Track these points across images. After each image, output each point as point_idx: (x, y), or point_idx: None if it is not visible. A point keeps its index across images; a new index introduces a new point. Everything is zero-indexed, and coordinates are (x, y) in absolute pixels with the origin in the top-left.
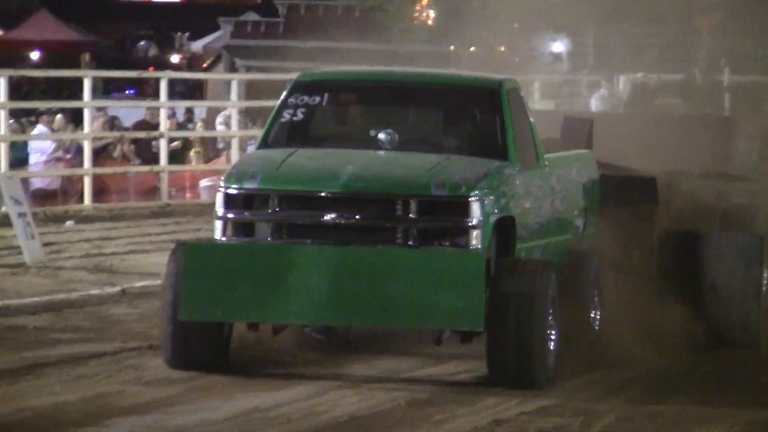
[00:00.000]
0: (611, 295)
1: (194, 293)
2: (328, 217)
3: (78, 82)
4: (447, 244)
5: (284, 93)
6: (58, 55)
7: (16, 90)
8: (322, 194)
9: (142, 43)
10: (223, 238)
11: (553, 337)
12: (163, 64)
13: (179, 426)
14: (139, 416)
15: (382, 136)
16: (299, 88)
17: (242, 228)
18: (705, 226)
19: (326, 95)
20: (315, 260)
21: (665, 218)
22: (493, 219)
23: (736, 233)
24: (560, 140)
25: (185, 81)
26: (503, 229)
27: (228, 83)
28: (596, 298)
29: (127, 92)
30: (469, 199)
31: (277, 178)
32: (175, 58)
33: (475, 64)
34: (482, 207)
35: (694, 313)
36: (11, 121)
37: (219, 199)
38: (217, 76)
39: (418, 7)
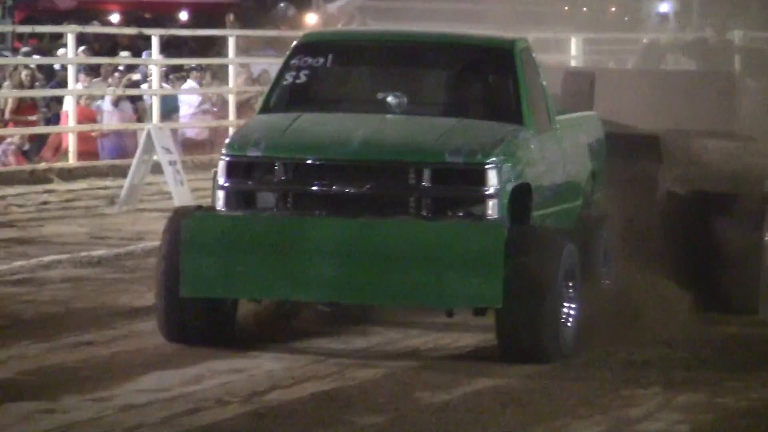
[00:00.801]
0: (618, 260)
1: (196, 268)
2: (337, 186)
3: (223, 40)
4: (462, 214)
5: (287, 54)
6: (204, 15)
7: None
8: (331, 162)
9: (281, 4)
10: (224, 209)
11: (572, 311)
12: (300, 25)
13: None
14: None
15: (389, 99)
16: (303, 49)
17: (245, 198)
18: (714, 186)
19: (331, 56)
20: (323, 233)
21: (672, 178)
22: (510, 187)
23: (736, 194)
24: (560, 96)
25: None
26: (519, 197)
27: None
28: (607, 266)
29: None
30: (486, 167)
31: (282, 144)
32: (311, 19)
33: (587, 23)
34: (499, 174)
35: (695, 277)
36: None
37: (221, 167)
38: None
39: None
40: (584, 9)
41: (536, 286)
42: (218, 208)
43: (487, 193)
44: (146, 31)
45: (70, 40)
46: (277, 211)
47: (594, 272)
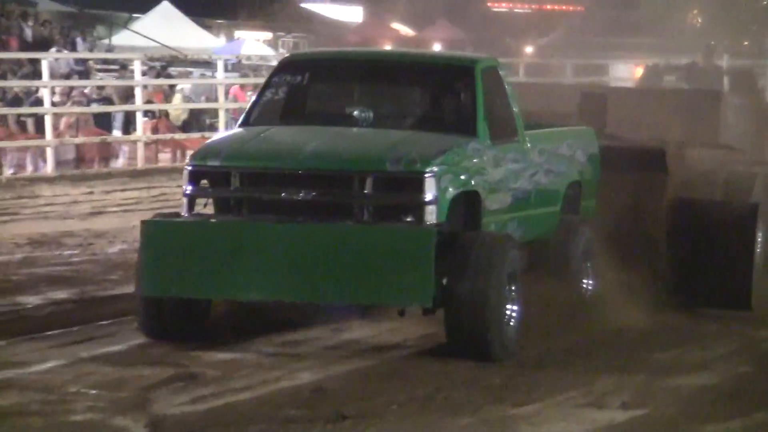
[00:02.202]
0: (612, 262)
1: (152, 269)
2: (287, 194)
3: None
4: (403, 220)
5: (271, 72)
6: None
7: None
8: (282, 171)
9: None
10: (187, 215)
11: (514, 312)
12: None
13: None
14: None
15: (356, 113)
16: (284, 67)
17: (216, 205)
18: (709, 193)
19: (308, 74)
20: (267, 237)
21: (673, 186)
22: (450, 195)
23: (731, 201)
24: (577, 114)
25: None
26: (469, 204)
27: None
28: (588, 266)
29: None
30: (424, 175)
31: (239, 155)
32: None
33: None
34: (437, 183)
35: (693, 278)
36: None
37: (184, 176)
38: None
39: None
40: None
41: (479, 288)
42: (182, 214)
43: (425, 200)
44: None
45: None
46: (231, 217)
47: (572, 270)
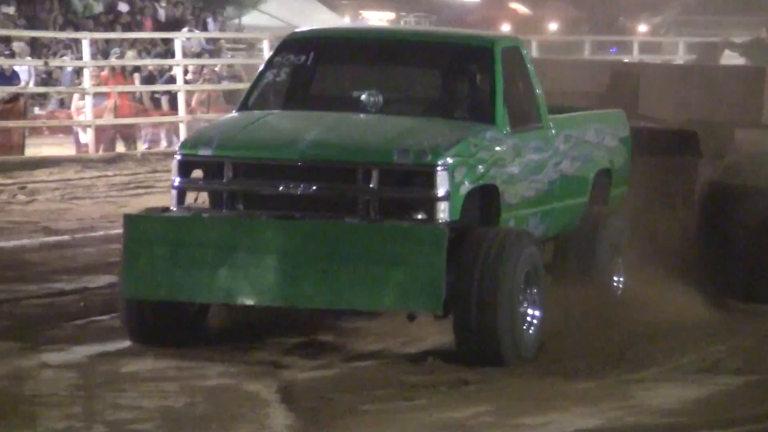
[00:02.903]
0: (641, 255)
1: (135, 269)
2: (284, 187)
3: None
4: (412, 217)
5: (272, 52)
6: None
7: None
8: (278, 162)
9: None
10: (177, 209)
11: (535, 316)
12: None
13: None
14: None
15: (364, 97)
16: (287, 46)
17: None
18: (758, 177)
19: (312, 54)
20: (261, 234)
21: (720, 169)
22: (465, 189)
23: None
24: (606, 93)
25: None
26: (486, 199)
27: None
28: (618, 261)
29: (611, 50)
30: (436, 168)
31: (233, 144)
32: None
33: None
34: (450, 176)
35: (725, 270)
36: None
37: (173, 166)
38: None
39: None
40: None
41: (491, 290)
42: (172, 208)
43: (436, 195)
44: None
45: None
46: (225, 212)
47: (599, 267)
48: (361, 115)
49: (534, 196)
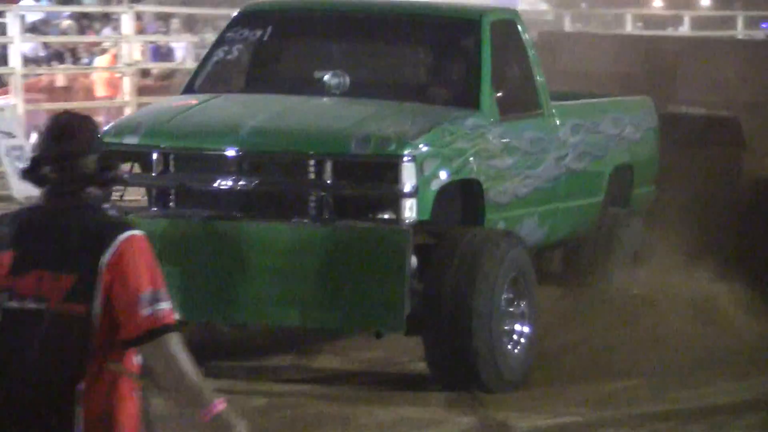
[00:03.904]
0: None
1: None
2: (222, 182)
3: None
4: (374, 217)
5: (224, 27)
6: None
7: None
8: (215, 152)
9: None
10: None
11: (519, 332)
12: None
13: None
14: None
15: (327, 78)
16: (241, 20)
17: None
18: None
19: (270, 29)
20: (191, 238)
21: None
22: (437, 185)
23: None
24: (640, 73)
25: None
26: (470, 196)
27: None
28: (639, 270)
29: (761, 25)
30: (401, 159)
31: (163, 131)
32: None
33: None
34: (419, 169)
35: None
36: None
37: None
38: None
39: None
40: None
41: (465, 302)
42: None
43: (402, 191)
44: None
45: None
46: (152, 210)
47: (615, 277)
48: (323, 99)
49: (530, 194)
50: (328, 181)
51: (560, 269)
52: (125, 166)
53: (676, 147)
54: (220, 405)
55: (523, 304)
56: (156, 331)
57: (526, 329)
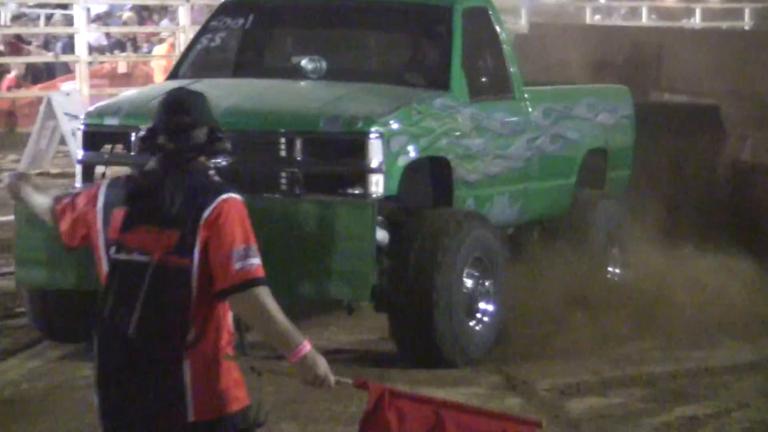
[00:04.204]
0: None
1: (24, 255)
2: None
3: None
4: (344, 193)
5: (210, 15)
6: None
7: None
8: None
9: None
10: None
11: (483, 310)
12: None
13: None
14: None
15: (304, 63)
16: (224, 9)
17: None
18: None
19: (251, 17)
20: None
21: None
22: (405, 161)
23: None
24: (624, 63)
25: None
26: (440, 174)
27: None
28: (613, 249)
29: None
30: (368, 136)
31: (142, 112)
32: None
33: None
34: (385, 146)
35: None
36: None
37: (78, 138)
38: None
39: None
40: None
41: (426, 280)
42: (76, 186)
43: (369, 167)
44: None
45: None
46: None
47: (590, 256)
48: (297, 83)
49: (501, 173)
50: (298, 158)
51: (539, 249)
52: (106, 147)
53: (658, 134)
54: (306, 347)
55: (488, 283)
56: (247, 282)
57: (490, 307)
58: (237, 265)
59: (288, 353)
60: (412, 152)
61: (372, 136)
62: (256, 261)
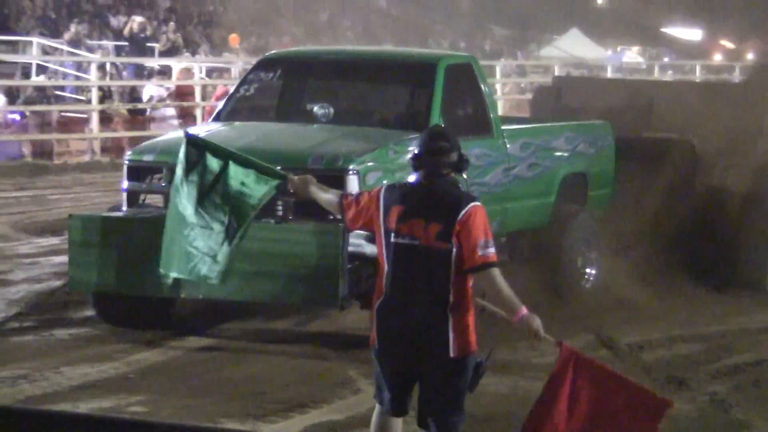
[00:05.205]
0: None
1: (75, 264)
2: None
3: None
4: (327, 218)
5: (248, 70)
6: None
7: None
8: None
9: None
10: (125, 210)
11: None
12: None
13: None
14: None
15: (316, 109)
16: (260, 66)
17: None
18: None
19: (279, 71)
20: None
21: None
22: None
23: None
24: (623, 108)
25: None
26: None
27: None
28: (589, 255)
29: None
30: (347, 173)
31: (171, 150)
32: None
33: None
34: (361, 180)
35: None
36: None
37: (123, 171)
38: None
39: None
40: None
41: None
42: (122, 209)
43: None
44: None
45: None
46: (155, 210)
47: (569, 259)
48: (306, 126)
49: (489, 196)
50: (291, 190)
51: (528, 254)
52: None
53: (639, 164)
54: (524, 311)
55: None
56: (485, 265)
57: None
58: (480, 252)
59: (512, 315)
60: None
61: (350, 172)
62: (492, 250)
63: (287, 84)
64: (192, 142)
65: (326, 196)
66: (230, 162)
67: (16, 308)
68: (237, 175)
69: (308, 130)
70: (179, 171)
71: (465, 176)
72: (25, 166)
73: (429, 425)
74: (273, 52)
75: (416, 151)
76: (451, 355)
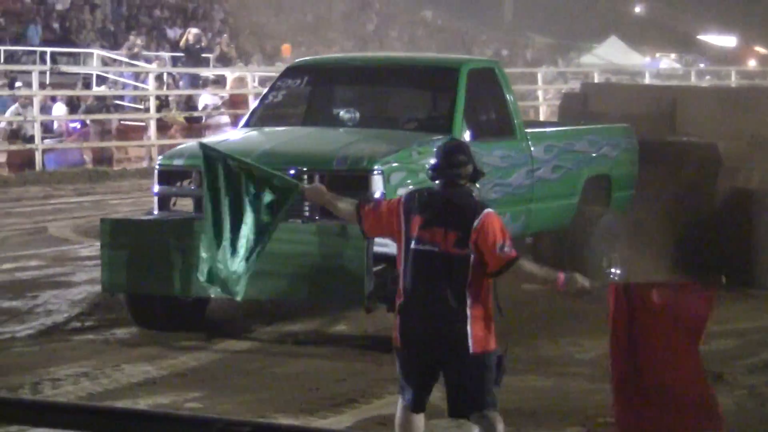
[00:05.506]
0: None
1: (108, 266)
2: None
3: None
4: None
5: (276, 78)
6: None
7: None
8: None
9: None
10: (157, 213)
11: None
12: None
13: None
14: None
15: (343, 113)
16: (288, 73)
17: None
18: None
19: (306, 78)
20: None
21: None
22: (402, 192)
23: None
24: (648, 113)
25: None
26: None
27: None
28: (614, 255)
29: None
30: (371, 173)
31: (199, 155)
32: None
33: None
34: (385, 180)
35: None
36: None
37: (154, 175)
38: None
39: None
40: None
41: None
42: (154, 213)
43: (371, 197)
44: None
45: None
46: (185, 213)
47: (591, 257)
48: (330, 130)
49: (501, 198)
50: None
51: (550, 253)
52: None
53: (664, 167)
54: (561, 276)
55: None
56: (509, 263)
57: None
58: (500, 253)
59: (554, 286)
60: (411, 184)
61: (374, 172)
62: (510, 249)
63: (314, 90)
64: (207, 149)
65: (341, 205)
66: (246, 174)
67: (78, 309)
68: (253, 187)
69: (334, 134)
70: (205, 180)
71: (478, 185)
72: (85, 173)
73: (471, 426)
74: (299, 59)
75: (434, 163)
76: (471, 351)
